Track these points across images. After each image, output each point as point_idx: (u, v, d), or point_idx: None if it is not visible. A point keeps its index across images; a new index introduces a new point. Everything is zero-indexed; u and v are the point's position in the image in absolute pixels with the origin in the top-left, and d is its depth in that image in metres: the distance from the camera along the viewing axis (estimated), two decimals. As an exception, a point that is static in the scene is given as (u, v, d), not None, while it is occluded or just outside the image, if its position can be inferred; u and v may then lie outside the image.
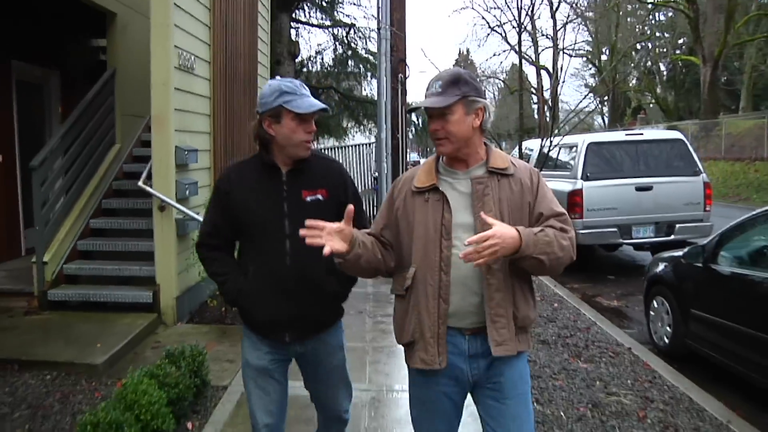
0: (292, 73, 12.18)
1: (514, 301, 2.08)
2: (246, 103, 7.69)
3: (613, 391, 4.41)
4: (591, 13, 41.72)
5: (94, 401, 4.04)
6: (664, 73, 43.11)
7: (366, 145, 15.29)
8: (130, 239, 6.34)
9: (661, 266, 5.75)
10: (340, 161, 14.56)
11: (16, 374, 4.46)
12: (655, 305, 5.73)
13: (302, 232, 2.01)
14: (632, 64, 42.30)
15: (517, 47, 40.09)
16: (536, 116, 44.64)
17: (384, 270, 2.23)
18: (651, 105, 43.57)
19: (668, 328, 5.48)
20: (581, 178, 8.38)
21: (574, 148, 8.88)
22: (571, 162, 8.86)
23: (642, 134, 9.12)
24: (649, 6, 36.14)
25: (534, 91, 46.03)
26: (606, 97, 45.36)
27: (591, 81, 46.59)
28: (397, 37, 11.13)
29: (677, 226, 8.41)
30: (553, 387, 4.47)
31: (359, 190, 14.18)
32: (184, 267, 5.92)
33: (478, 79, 2.17)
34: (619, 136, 9.24)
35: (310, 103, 2.32)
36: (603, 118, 47.69)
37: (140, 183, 5.71)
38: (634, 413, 4.05)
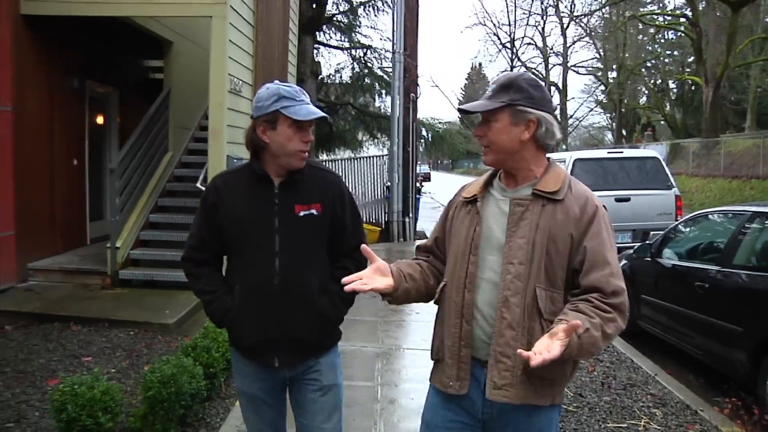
0: (314, 90, 13.45)
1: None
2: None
3: (572, 354, 5.62)
4: (599, 32, 43.00)
5: (171, 350, 5.28)
6: (674, 90, 43.98)
7: (379, 157, 16.54)
8: (179, 231, 7.60)
9: (622, 261, 6.97)
10: (355, 171, 15.90)
11: (107, 330, 5.72)
12: (617, 294, 6.94)
13: (347, 288, 1.88)
14: (640, 83, 43.29)
15: (528, 64, 41.01)
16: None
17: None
18: (662, 122, 44.40)
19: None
20: (567, 190, 9.60)
21: (563, 164, 10.11)
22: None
23: (622, 152, 10.35)
24: (651, 31, 37.20)
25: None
26: (613, 114, 46.57)
27: (602, 98, 47.81)
28: (410, 60, 12.41)
29: (651, 233, 9.53)
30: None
31: (373, 199, 15.43)
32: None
33: (545, 90, 1.96)
34: (601, 153, 10.46)
35: (309, 110, 2.17)
36: (612, 134, 48.68)
37: (198, 184, 7.00)
38: (585, 367, 5.26)
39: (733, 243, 4.97)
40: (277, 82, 2.26)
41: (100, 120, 9.14)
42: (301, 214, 2.23)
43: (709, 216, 5.92)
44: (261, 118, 2.18)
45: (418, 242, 2.27)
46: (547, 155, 1.98)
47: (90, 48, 8.24)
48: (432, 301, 2.10)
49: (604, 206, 1.91)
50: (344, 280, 1.89)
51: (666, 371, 5.35)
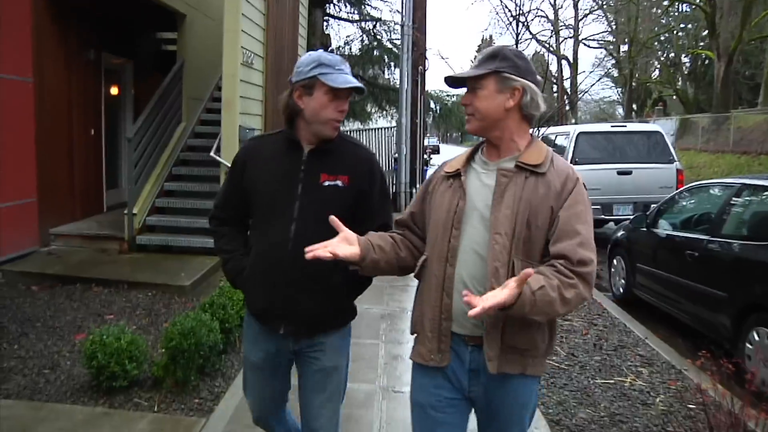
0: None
1: (508, 316, 1.82)
2: (289, 91, 9.21)
3: (568, 318, 5.90)
4: (611, 4, 42.52)
5: (187, 309, 5.59)
6: (686, 65, 43.55)
7: (387, 128, 16.74)
8: (193, 199, 7.88)
9: (620, 232, 7.22)
10: (364, 143, 16.08)
11: (126, 291, 6.04)
12: (615, 263, 7.20)
13: (308, 255, 1.91)
14: (652, 57, 42.87)
15: (538, 36, 40.53)
16: (557, 104, 45.83)
17: (414, 265, 2.08)
18: (674, 97, 44.07)
19: (623, 281, 6.95)
20: (570, 162, 9.80)
21: (567, 136, 10.30)
22: (564, 148, 10.30)
23: (625, 126, 10.53)
24: (665, 3, 36.76)
25: (555, 81, 47.22)
26: (624, 89, 46.26)
27: (614, 72, 47.48)
28: (418, 33, 12.54)
29: (652, 206, 9.81)
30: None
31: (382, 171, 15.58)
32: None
33: (530, 61, 1.98)
34: (605, 127, 10.64)
35: (347, 79, 2.15)
36: (623, 109, 48.41)
37: (212, 153, 7.26)
38: (579, 330, 5.55)
39: (722, 214, 5.21)
40: (320, 50, 2.29)
41: (115, 91, 9.38)
42: (326, 183, 2.20)
43: (702, 188, 6.14)
44: (299, 83, 2.16)
45: (396, 217, 2.26)
46: (531, 129, 2.04)
47: (105, 20, 8.44)
48: (412, 275, 2.09)
49: (584, 183, 1.93)
50: (307, 248, 1.92)
51: (657, 335, 5.62)
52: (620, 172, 9.76)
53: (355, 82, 2.16)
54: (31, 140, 6.89)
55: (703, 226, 5.52)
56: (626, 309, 6.47)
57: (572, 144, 9.96)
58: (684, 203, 6.24)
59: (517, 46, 12.43)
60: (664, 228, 6.21)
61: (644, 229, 6.47)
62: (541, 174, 1.88)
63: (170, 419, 3.48)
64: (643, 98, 48.21)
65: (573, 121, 41.45)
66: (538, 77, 1.99)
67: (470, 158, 2.05)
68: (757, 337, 4.43)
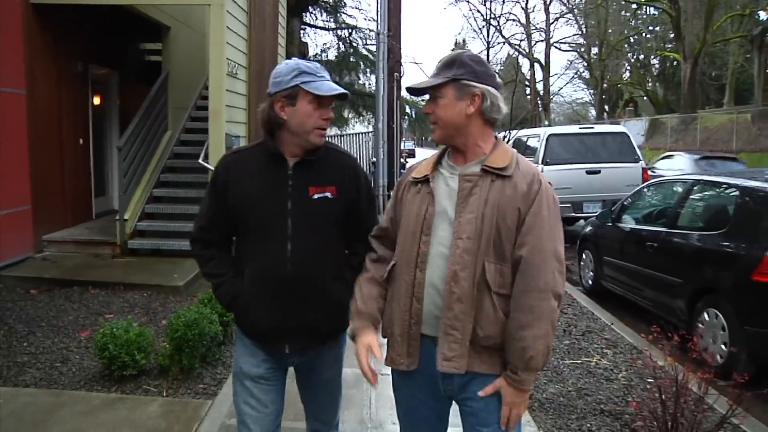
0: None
1: (476, 318, 1.87)
2: (271, 99, 9.58)
3: (540, 309, 6.32)
4: (581, 7, 43.42)
5: (182, 307, 5.91)
6: (655, 66, 44.49)
7: (365, 134, 17.14)
8: (181, 204, 8.19)
9: (587, 228, 7.69)
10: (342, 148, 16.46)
11: (123, 292, 6.34)
12: (584, 257, 7.66)
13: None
14: (622, 59, 43.75)
15: (511, 40, 41.13)
16: (529, 107, 46.61)
17: None
18: (644, 98, 44.97)
19: (591, 273, 7.41)
20: (542, 163, 10.30)
21: (538, 138, 10.79)
22: (536, 149, 10.79)
23: (593, 128, 11.07)
24: (633, 6, 37.67)
25: (527, 84, 48.03)
26: (593, 91, 47.21)
27: (585, 73, 48.42)
28: (393, 41, 12.96)
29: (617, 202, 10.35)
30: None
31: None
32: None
33: (489, 65, 2.01)
34: (574, 129, 11.18)
35: (331, 86, 2.10)
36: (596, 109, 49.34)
37: (200, 160, 7.58)
38: (550, 319, 5.97)
39: (678, 207, 5.69)
40: (295, 58, 2.20)
41: (101, 101, 9.65)
42: (316, 196, 2.15)
43: (661, 184, 6.63)
44: (279, 94, 2.09)
45: (373, 231, 2.23)
46: (496, 133, 2.06)
47: (91, 33, 8.72)
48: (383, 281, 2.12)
49: (549, 183, 1.97)
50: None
51: (623, 322, 6.07)
52: (589, 172, 10.26)
53: (340, 89, 2.13)
54: (25, 150, 7.16)
55: (661, 219, 5.99)
56: (595, 300, 6.91)
57: (543, 145, 10.45)
58: (645, 199, 6.71)
59: (488, 50, 12.88)
60: (627, 222, 6.68)
61: (609, 224, 6.94)
62: (507, 177, 1.91)
63: (179, 402, 3.82)
64: (615, 99, 49.13)
65: (546, 123, 42.33)
66: (498, 80, 2.01)
67: (437, 163, 2.07)
68: (707, 317, 4.89)
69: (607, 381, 4.47)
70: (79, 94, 8.67)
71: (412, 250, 1.98)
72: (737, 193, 5.00)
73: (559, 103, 55.49)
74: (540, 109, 46.48)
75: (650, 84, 42.62)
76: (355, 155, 16.65)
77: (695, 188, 5.62)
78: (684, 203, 5.65)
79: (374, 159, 14.36)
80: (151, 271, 6.99)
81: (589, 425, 3.79)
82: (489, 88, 1.94)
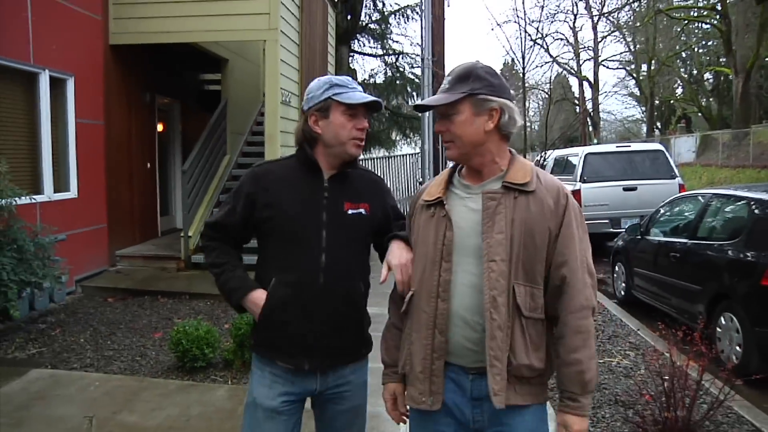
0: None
1: (511, 346, 1.77)
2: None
3: (571, 316, 6.73)
4: (630, 24, 43.25)
5: (242, 313, 6.56)
6: (709, 81, 43.81)
7: (411, 155, 17.73)
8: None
9: (620, 241, 8.06)
10: (390, 169, 17.08)
11: (188, 301, 7.05)
12: (616, 269, 8.03)
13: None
14: (674, 74, 43.21)
15: (558, 59, 41.12)
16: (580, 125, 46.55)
17: None
18: (699, 114, 44.22)
19: (623, 284, 7.76)
20: (580, 181, 10.69)
21: (577, 157, 11.18)
22: (574, 168, 11.18)
23: (629, 146, 11.39)
24: (684, 21, 37.35)
25: (576, 102, 47.99)
26: (643, 108, 46.80)
27: (635, 91, 48.08)
28: (436, 68, 13.56)
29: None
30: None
31: (406, 196, 16.58)
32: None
33: (502, 77, 1.89)
34: (611, 147, 11.52)
35: (363, 96, 2.09)
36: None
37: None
38: (579, 325, 6.38)
39: (698, 220, 6.07)
40: (327, 75, 2.25)
41: (164, 128, 10.54)
42: (350, 212, 2.15)
43: (686, 198, 6.99)
44: (313, 109, 2.11)
45: (391, 293, 2.11)
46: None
47: (157, 66, 9.61)
48: (401, 312, 1.99)
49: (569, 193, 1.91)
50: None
51: (649, 329, 6.43)
52: (626, 188, 10.58)
53: (371, 97, 2.11)
54: (102, 174, 8.00)
55: (683, 231, 6.36)
56: (627, 309, 7.26)
57: (581, 164, 10.83)
58: (671, 213, 7.07)
59: (523, 70, 13.25)
60: (654, 235, 7.05)
61: (639, 237, 7.31)
62: (530, 192, 1.81)
63: (242, 388, 4.42)
64: (667, 116, 48.51)
65: (595, 141, 42.20)
66: (512, 92, 1.93)
67: (449, 182, 1.96)
68: (723, 321, 5.25)
69: (626, 378, 4.88)
70: (147, 122, 9.54)
71: (431, 279, 1.86)
72: (749, 205, 5.37)
73: (610, 121, 55.13)
74: (590, 127, 46.43)
75: (704, 99, 41.99)
76: (401, 176, 17.30)
77: (713, 202, 5.99)
78: (703, 216, 6.02)
79: (420, 179, 14.92)
80: (213, 282, 7.65)
81: (603, 413, 4.23)
82: (506, 101, 1.84)
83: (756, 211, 5.25)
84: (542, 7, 37.56)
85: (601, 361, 5.28)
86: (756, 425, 4.01)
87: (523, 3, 58.34)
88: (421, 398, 1.88)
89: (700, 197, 6.43)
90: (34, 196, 6.19)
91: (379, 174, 12.92)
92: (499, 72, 1.90)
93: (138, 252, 8.71)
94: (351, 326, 2.18)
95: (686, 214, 6.63)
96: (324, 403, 2.22)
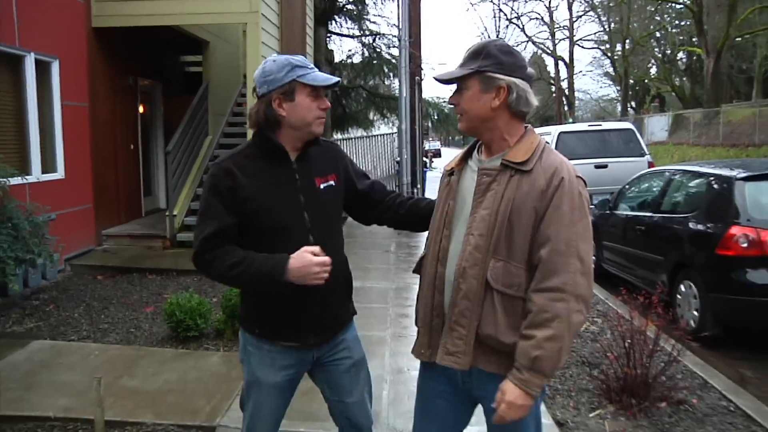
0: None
1: (481, 316, 1.85)
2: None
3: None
4: (604, 4, 43.63)
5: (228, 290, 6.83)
6: (683, 61, 44.31)
7: (389, 135, 17.98)
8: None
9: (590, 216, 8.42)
10: (368, 149, 17.32)
11: (176, 277, 7.29)
12: (587, 243, 8.39)
13: None
14: (647, 54, 43.71)
15: (534, 39, 41.38)
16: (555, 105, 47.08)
17: None
18: (672, 93, 44.73)
19: (594, 257, 8.12)
20: (553, 158, 11.03)
21: (550, 136, 11.52)
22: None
23: (600, 125, 11.76)
24: (657, 1, 37.72)
25: (552, 82, 48.46)
26: (618, 87, 47.41)
27: (611, 70, 48.60)
28: (413, 49, 13.79)
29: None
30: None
31: (385, 175, 16.85)
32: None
33: (519, 56, 1.91)
34: (582, 126, 11.89)
35: (325, 76, 2.12)
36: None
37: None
38: (551, 296, 6.74)
39: (661, 194, 6.44)
40: (281, 56, 2.18)
41: (146, 110, 10.67)
42: (322, 186, 2.20)
43: (652, 174, 7.37)
44: (276, 92, 2.08)
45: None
46: (526, 125, 1.97)
47: (140, 49, 9.72)
48: (412, 271, 2.19)
49: (579, 176, 1.88)
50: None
51: (617, 297, 6.81)
52: (597, 166, 10.95)
53: (334, 78, 2.16)
54: (87, 155, 8.15)
55: (648, 205, 6.74)
56: (598, 282, 7.63)
57: (554, 142, 11.17)
58: (638, 188, 7.45)
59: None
60: (622, 210, 7.42)
61: (608, 212, 7.68)
62: (526, 171, 1.85)
63: (234, 354, 4.70)
64: (642, 95, 49.15)
65: (570, 120, 42.72)
66: (529, 71, 1.92)
67: (468, 155, 2.05)
68: (683, 289, 5.64)
69: (593, 342, 5.25)
70: (130, 105, 9.68)
71: (435, 244, 1.99)
72: (706, 179, 5.75)
73: (585, 100, 55.82)
74: (565, 107, 46.99)
75: (677, 79, 42.52)
76: (379, 155, 17.57)
77: (675, 176, 6.37)
78: (666, 191, 6.39)
79: (398, 158, 15.21)
80: (199, 259, 7.91)
81: (570, 373, 4.59)
82: (516, 80, 1.87)
83: (713, 185, 5.62)
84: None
85: (570, 327, 5.64)
86: (705, 378, 4.41)
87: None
88: (420, 350, 2.05)
89: (664, 173, 6.80)
90: (25, 177, 6.35)
91: (356, 154, 13.29)
92: (514, 49, 1.94)
93: (124, 231, 8.90)
94: (346, 296, 2.33)
95: (651, 188, 7.00)
96: (326, 368, 2.31)
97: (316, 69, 2.16)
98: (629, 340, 4.07)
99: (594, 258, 7.12)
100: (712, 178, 5.69)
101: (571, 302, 1.77)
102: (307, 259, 2.03)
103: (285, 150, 2.15)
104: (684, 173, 6.34)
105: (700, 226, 5.51)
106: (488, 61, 1.87)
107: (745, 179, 5.29)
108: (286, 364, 2.22)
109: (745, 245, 4.99)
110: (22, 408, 3.72)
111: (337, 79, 2.19)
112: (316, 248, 2.06)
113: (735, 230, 5.06)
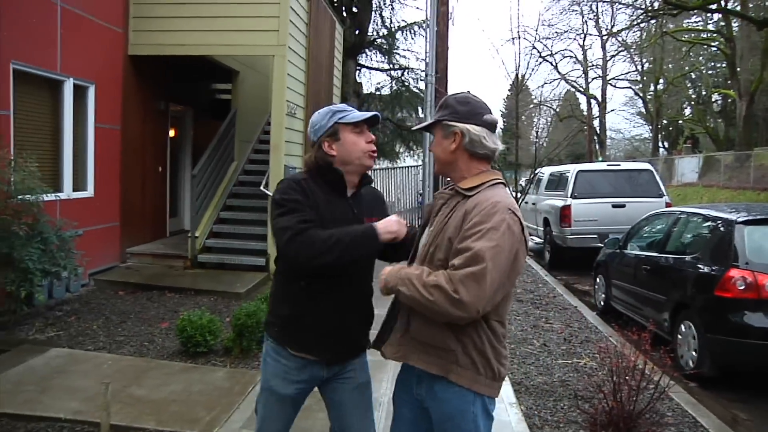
0: (356, 108, 15.27)
1: (410, 314, 2.11)
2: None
3: (550, 322, 7.21)
4: (638, 44, 43.62)
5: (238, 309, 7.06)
6: (717, 102, 43.97)
7: (414, 167, 18.23)
8: (243, 226, 9.44)
9: (601, 255, 8.53)
10: (392, 180, 17.55)
11: (194, 296, 7.56)
12: (597, 281, 8.49)
13: None
14: (682, 95, 43.48)
15: (566, 77, 41.36)
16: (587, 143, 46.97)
17: None
18: (707, 135, 44.25)
19: (603, 295, 8.22)
20: (570, 197, 11.17)
21: (569, 174, 11.66)
22: (565, 184, 11.66)
23: (619, 165, 11.88)
24: (690, 44, 37.70)
25: (584, 120, 48.40)
26: (651, 127, 47.18)
27: (644, 110, 48.33)
28: (439, 83, 14.09)
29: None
30: (515, 318, 7.31)
31: (408, 207, 17.00)
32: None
33: (476, 104, 2.13)
34: (601, 166, 12.02)
35: (361, 113, 2.38)
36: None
37: (261, 187, 8.82)
38: (556, 331, 6.84)
39: (667, 235, 6.54)
40: (326, 107, 2.47)
41: (176, 134, 11.11)
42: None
43: (660, 215, 7.46)
44: (323, 136, 2.35)
45: None
46: (490, 166, 2.18)
47: (172, 76, 10.18)
48: None
49: (513, 210, 2.01)
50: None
51: (622, 336, 6.88)
52: (615, 205, 11.06)
53: (369, 113, 2.40)
54: (116, 176, 8.55)
55: (654, 245, 6.83)
56: (606, 319, 7.71)
57: (572, 181, 11.32)
58: (647, 228, 7.55)
59: (517, 90, 13.75)
60: (631, 249, 7.52)
61: (617, 251, 7.78)
62: (469, 197, 2.07)
63: (239, 371, 4.92)
64: (675, 135, 48.80)
65: (601, 159, 42.56)
66: (486, 117, 2.13)
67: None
68: (683, 329, 5.72)
69: (589, 377, 5.34)
70: (160, 128, 10.10)
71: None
72: (709, 221, 5.86)
73: (618, 139, 55.54)
74: (596, 145, 46.79)
75: (711, 121, 42.17)
76: (403, 187, 17.74)
77: (681, 218, 6.47)
78: (671, 231, 6.50)
79: (421, 191, 15.41)
80: (217, 280, 8.20)
81: (562, 405, 4.71)
82: (469, 126, 2.10)
83: (714, 227, 5.73)
84: (550, 25, 38.20)
85: (569, 361, 5.75)
86: (695, 417, 4.49)
87: (520, 19, 58.71)
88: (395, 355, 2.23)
89: (671, 214, 6.91)
90: (57, 194, 6.72)
91: (381, 185, 13.49)
92: (472, 99, 2.17)
93: (148, 250, 9.23)
94: (367, 325, 2.49)
95: (658, 229, 7.10)
96: (333, 387, 2.47)
97: (355, 110, 2.41)
98: (617, 376, 4.17)
99: (603, 296, 7.23)
100: (714, 221, 5.80)
101: (437, 295, 1.92)
102: (392, 219, 2.29)
103: (344, 184, 2.38)
104: (689, 215, 6.45)
105: (700, 268, 5.61)
106: (446, 111, 2.15)
107: (745, 222, 5.40)
108: (298, 379, 2.39)
109: (742, 288, 5.08)
110: (36, 409, 3.98)
111: (372, 113, 2.41)
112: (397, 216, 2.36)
113: (733, 272, 5.16)
